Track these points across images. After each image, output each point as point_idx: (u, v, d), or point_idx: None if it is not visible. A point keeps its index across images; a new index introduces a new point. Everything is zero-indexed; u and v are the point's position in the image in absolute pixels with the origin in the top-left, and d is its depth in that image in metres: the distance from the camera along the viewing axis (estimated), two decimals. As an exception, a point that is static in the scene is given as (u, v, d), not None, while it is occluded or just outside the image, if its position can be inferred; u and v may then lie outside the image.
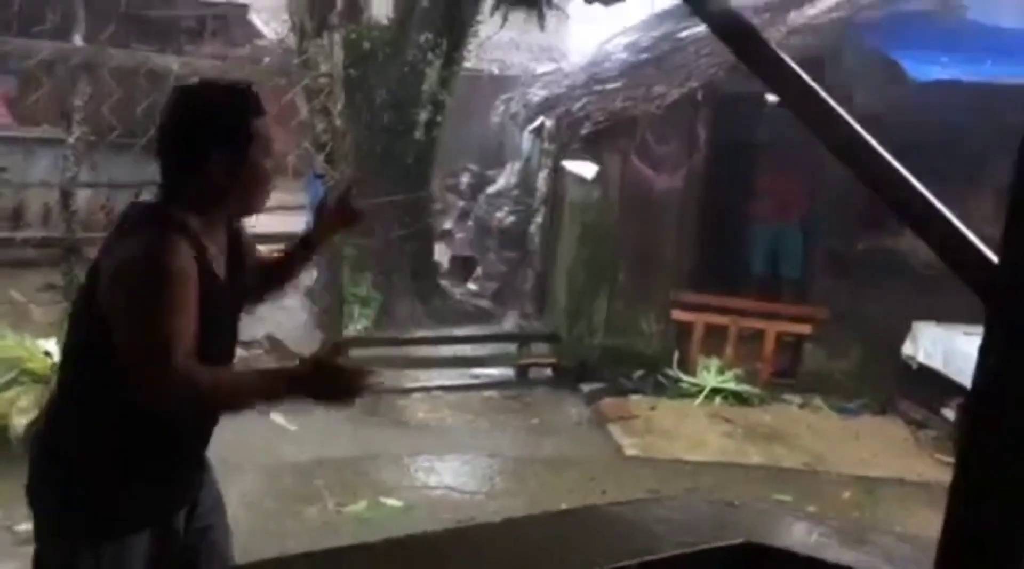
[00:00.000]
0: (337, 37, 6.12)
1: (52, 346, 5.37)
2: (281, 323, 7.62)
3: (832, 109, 2.14)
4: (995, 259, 1.47)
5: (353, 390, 1.87)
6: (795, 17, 6.78)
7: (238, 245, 2.12)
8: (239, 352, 6.44)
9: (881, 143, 1.95)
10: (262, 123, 1.97)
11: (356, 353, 6.78)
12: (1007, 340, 1.28)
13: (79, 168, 5.40)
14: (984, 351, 1.32)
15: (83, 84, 5.12)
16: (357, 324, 7.78)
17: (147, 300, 1.80)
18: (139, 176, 8.93)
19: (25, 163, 7.20)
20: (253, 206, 2.04)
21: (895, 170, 1.97)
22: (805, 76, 2.29)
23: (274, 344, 7.01)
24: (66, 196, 5.36)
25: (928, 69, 5.84)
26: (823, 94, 2.20)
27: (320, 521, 4.67)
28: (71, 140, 5.27)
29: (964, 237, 1.80)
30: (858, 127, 2.07)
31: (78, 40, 5.39)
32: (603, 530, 1.92)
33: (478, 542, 1.96)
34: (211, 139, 1.91)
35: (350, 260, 7.30)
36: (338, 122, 6.07)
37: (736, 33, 2.63)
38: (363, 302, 7.99)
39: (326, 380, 1.86)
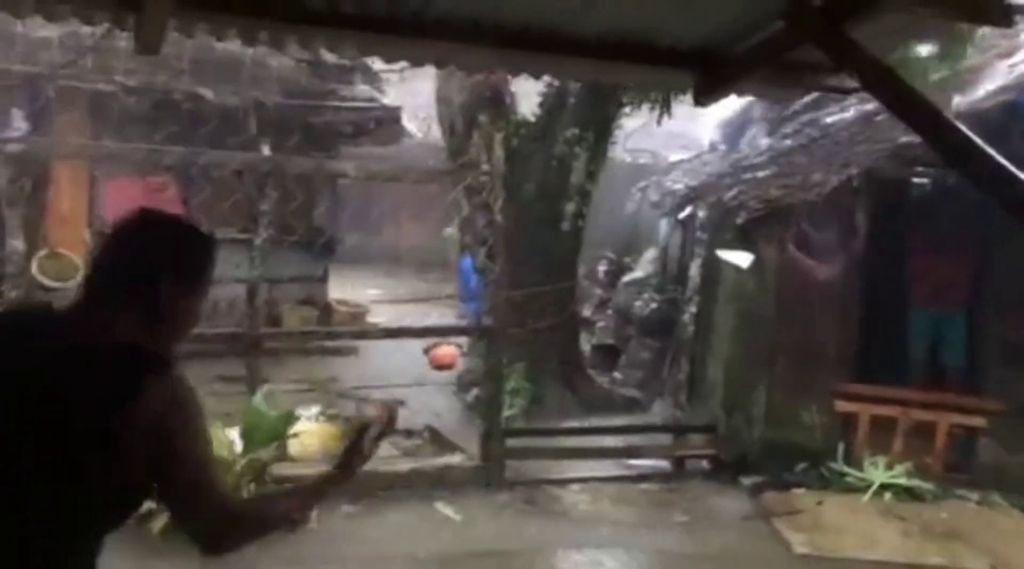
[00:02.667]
0: (498, 136, 6.36)
1: (235, 435, 5.66)
2: (438, 412, 7.79)
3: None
4: None
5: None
6: (958, 101, 6.67)
7: None
8: (403, 442, 6.57)
9: None
10: (212, 262, 1.95)
11: (512, 442, 6.84)
12: None
13: (262, 266, 5.74)
14: None
15: (270, 189, 5.47)
16: (508, 413, 7.86)
17: (202, 439, 1.78)
18: (300, 271, 9.50)
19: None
20: (175, 344, 1.92)
21: None
22: (996, 155, 2.27)
23: (433, 434, 7.15)
24: (252, 292, 5.69)
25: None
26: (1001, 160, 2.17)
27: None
28: (259, 241, 5.62)
29: None
30: None
31: (266, 150, 5.80)
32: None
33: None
34: (174, 273, 1.85)
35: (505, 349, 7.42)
36: (499, 217, 6.26)
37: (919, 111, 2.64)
38: (513, 391, 8.07)
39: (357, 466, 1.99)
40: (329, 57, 7.20)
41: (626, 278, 11.83)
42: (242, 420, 5.72)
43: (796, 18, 2.87)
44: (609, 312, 11.76)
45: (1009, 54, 7.40)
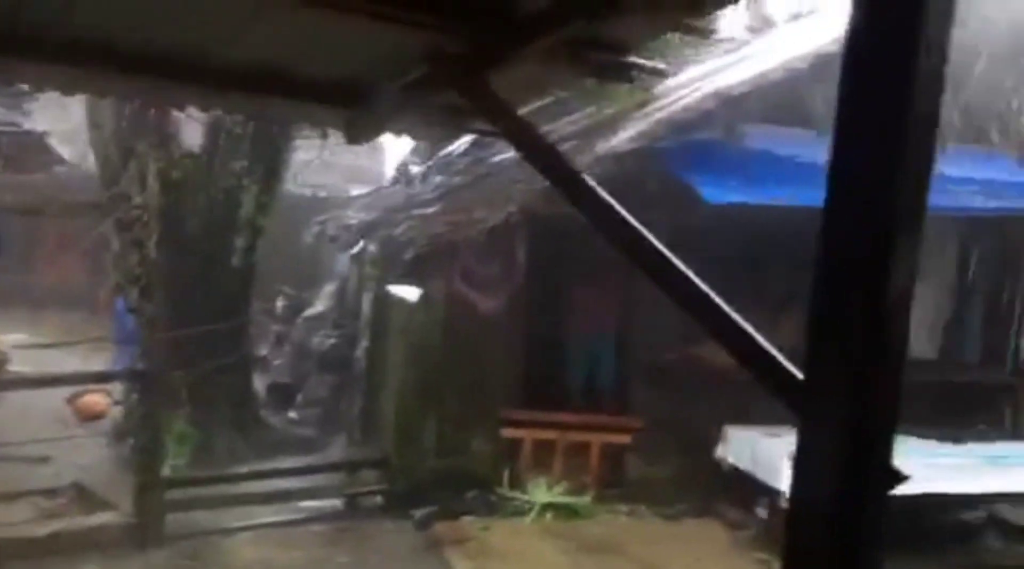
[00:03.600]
0: (153, 168, 5.96)
1: None
2: (87, 467, 7.10)
3: (641, 234, 2.34)
4: (800, 375, 1.64)
5: None
6: (601, 146, 7.27)
7: None
8: (43, 503, 5.92)
9: (689, 262, 2.13)
10: None
11: (175, 494, 6.40)
12: (816, 449, 1.43)
13: None
14: (798, 458, 1.47)
15: None
16: (174, 462, 7.34)
17: None
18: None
19: None
20: None
21: (704, 293, 2.16)
22: (613, 201, 2.49)
23: (81, 492, 6.48)
24: None
25: (720, 192, 6.40)
26: (632, 220, 2.40)
27: None
28: None
29: (771, 355, 1.98)
30: (664, 249, 2.27)
31: None
32: None
33: None
34: None
35: (163, 396, 6.93)
36: (153, 254, 5.85)
37: (553, 166, 2.84)
38: (179, 439, 7.56)
39: None
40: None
41: (305, 313, 11.61)
42: None
43: (438, 64, 2.94)
44: (287, 349, 11.46)
45: (644, 104, 8.21)
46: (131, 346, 6.65)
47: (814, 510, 1.43)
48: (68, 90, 3.59)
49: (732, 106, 7.03)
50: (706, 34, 3.67)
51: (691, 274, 2.19)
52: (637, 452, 7.53)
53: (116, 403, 7.93)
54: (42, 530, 5.74)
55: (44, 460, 7.21)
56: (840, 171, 1.36)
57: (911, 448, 6.71)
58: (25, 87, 5.39)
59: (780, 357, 2.04)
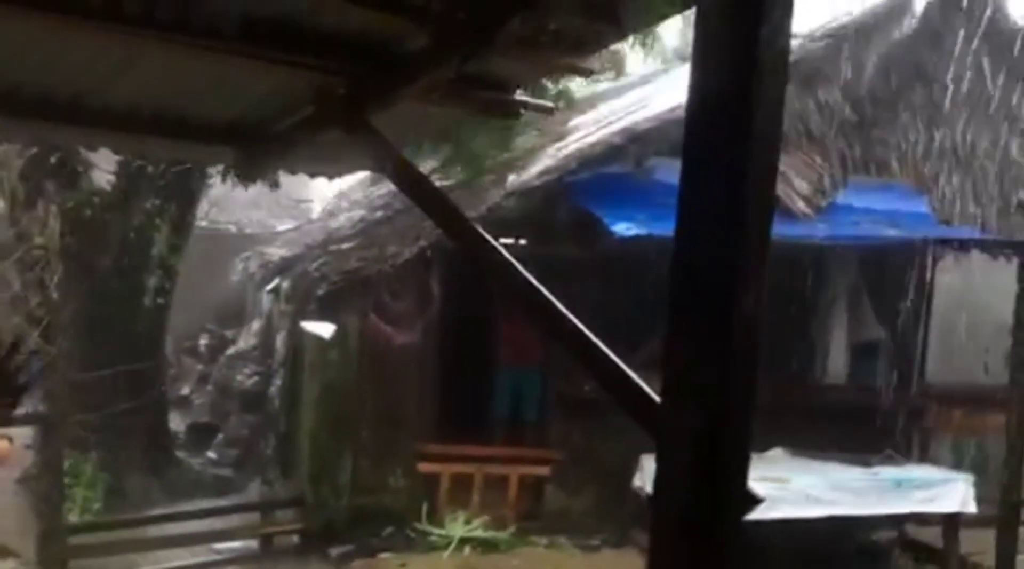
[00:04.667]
0: (53, 207, 5.88)
1: None
2: (-10, 515, 6.87)
3: (515, 268, 2.39)
4: (657, 399, 1.69)
5: None
6: (512, 180, 7.37)
7: None
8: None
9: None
10: None
11: (81, 539, 6.25)
12: (672, 472, 1.48)
13: None
14: (657, 480, 1.52)
15: None
16: (86, 507, 7.17)
17: None
18: None
19: None
20: None
21: (575, 327, 2.22)
22: (488, 236, 2.55)
23: (-19, 540, 6.29)
24: None
25: (626, 225, 6.52)
26: (507, 255, 2.46)
27: None
28: None
29: (631, 380, 2.04)
30: (532, 280, 2.33)
31: None
32: None
33: None
34: None
35: (70, 439, 6.77)
36: (55, 294, 5.76)
37: (432, 202, 2.90)
38: (89, 484, 7.38)
39: None
40: None
41: (228, 352, 11.46)
42: None
43: (322, 103, 2.98)
44: (210, 388, 11.28)
45: (560, 138, 8.36)
46: (34, 389, 6.48)
47: (672, 531, 1.47)
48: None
49: (639, 141, 7.20)
50: (587, 74, 3.76)
51: (559, 305, 2.25)
52: (556, 484, 7.55)
53: (27, 447, 7.72)
54: (-64, 582, 5.55)
55: (-57, 510, 7.00)
56: (688, 205, 1.42)
57: (820, 471, 6.90)
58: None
59: (639, 381, 2.11)
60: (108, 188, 8.24)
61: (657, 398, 1.94)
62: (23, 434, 7.89)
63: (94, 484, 7.46)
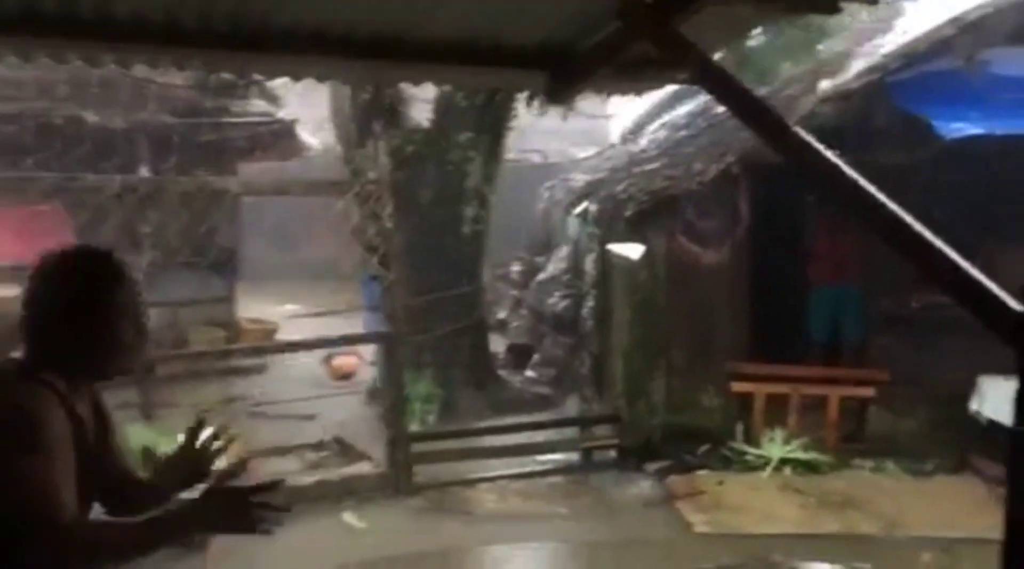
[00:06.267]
0: (382, 144, 6.38)
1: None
2: (345, 424, 7.78)
3: (850, 177, 2.25)
4: (1018, 306, 1.52)
5: (253, 513, 1.80)
6: (826, 86, 6.91)
7: (102, 417, 2.07)
8: (310, 456, 6.55)
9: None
10: (119, 289, 1.93)
11: (421, 447, 6.88)
12: None
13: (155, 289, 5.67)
14: (1018, 397, 1.37)
15: (152, 212, 5.42)
16: (423, 419, 7.91)
17: (27, 454, 1.71)
18: (203, 292, 9.38)
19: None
20: (109, 372, 1.97)
21: (915, 231, 2.06)
22: (819, 145, 2.40)
23: (342, 446, 7.14)
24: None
25: (957, 126, 5.90)
26: (840, 164, 2.31)
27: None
28: (144, 265, 5.55)
29: (985, 288, 1.85)
30: (878, 193, 2.17)
31: (144, 171, 5.73)
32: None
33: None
34: (64, 306, 1.88)
35: (408, 357, 7.44)
36: (388, 225, 6.29)
37: (751, 110, 2.77)
38: (425, 398, 8.11)
39: (223, 507, 1.81)
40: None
41: (539, 277, 11.94)
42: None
43: (628, 16, 2.96)
44: (524, 312, 11.86)
45: (873, 37, 7.70)
46: (377, 312, 7.20)
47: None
48: (289, 76, 3.89)
49: (972, 30, 6.43)
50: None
51: (904, 214, 2.09)
52: (882, 406, 7.16)
53: (371, 363, 8.63)
54: (309, 479, 6.39)
55: (310, 418, 8.03)
56: None
57: None
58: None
59: (995, 288, 1.93)
60: (426, 124, 8.82)
61: (1019, 306, 1.74)
62: (368, 351, 8.86)
63: (430, 399, 8.17)
